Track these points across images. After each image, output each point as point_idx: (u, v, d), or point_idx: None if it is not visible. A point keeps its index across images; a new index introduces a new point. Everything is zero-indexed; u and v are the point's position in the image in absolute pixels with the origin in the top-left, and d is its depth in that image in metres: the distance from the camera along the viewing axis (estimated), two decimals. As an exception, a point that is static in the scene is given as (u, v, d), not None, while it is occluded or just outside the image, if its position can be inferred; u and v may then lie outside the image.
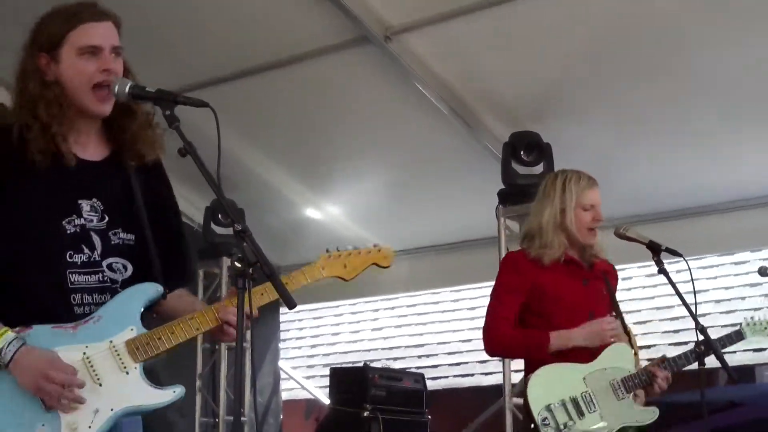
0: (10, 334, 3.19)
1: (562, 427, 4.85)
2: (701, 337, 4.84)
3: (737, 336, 5.32)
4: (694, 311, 4.81)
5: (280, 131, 8.75)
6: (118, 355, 3.29)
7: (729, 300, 11.68)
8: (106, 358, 3.27)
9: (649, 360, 5.10)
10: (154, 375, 3.39)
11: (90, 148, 3.47)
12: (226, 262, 9.66)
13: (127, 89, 3.30)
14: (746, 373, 10.96)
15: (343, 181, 9.24)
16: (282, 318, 11.49)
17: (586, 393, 4.92)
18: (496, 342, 5.16)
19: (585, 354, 4.97)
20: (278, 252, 8.94)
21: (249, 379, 7.85)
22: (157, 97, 3.26)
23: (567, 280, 5.04)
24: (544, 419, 4.86)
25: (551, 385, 4.92)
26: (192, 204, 9.97)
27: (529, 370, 5.09)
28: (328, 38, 7.49)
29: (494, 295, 5.26)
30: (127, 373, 3.29)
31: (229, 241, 9.19)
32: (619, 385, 4.98)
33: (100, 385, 3.25)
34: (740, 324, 5.41)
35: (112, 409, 3.24)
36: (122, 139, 3.48)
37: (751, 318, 5.43)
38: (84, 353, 3.25)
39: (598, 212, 5.08)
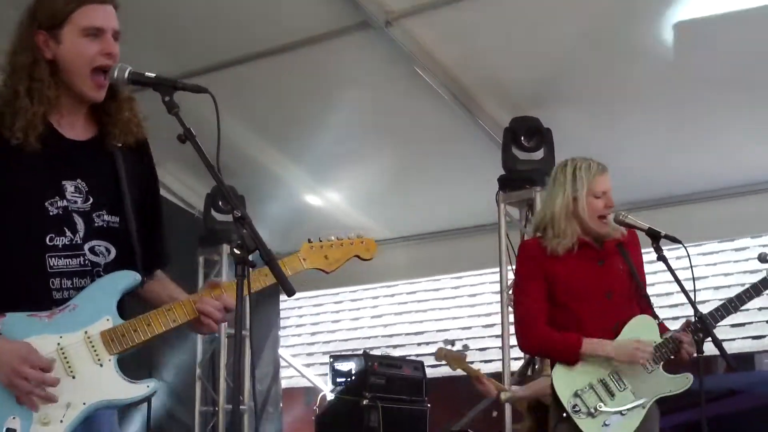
0: None
1: (593, 410, 4.81)
2: (700, 325, 4.83)
3: (764, 284, 5.20)
4: (693, 298, 4.78)
5: (281, 117, 8.74)
6: (93, 346, 3.23)
7: (728, 287, 11.67)
8: (80, 350, 3.21)
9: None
10: (130, 365, 3.33)
11: (77, 128, 3.41)
12: (226, 249, 9.66)
13: (126, 75, 3.27)
14: (745, 360, 10.96)
15: (344, 168, 9.24)
16: (282, 305, 11.50)
17: (614, 372, 4.89)
18: (533, 341, 5.10)
19: (608, 333, 4.95)
20: (278, 239, 8.92)
21: (248, 367, 7.83)
22: (156, 82, 3.22)
23: (580, 265, 4.98)
24: (574, 406, 4.82)
25: (577, 371, 4.88)
26: (192, 191, 9.98)
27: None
28: (329, 24, 7.49)
29: (519, 288, 5.21)
30: (101, 365, 3.22)
31: (230, 228, 9.18)
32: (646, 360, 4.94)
33: (74, 377, 3.19)
34: (765, 270, 5.27)
35: (84, 403, 3.18)
36: (107, 120, 3.44)
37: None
38: (58, 344, 3.19)
39: (610, 199, 5.04)
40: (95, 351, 3.23)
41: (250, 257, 3.03)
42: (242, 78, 8.11)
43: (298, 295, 3.20)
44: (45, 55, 3.30)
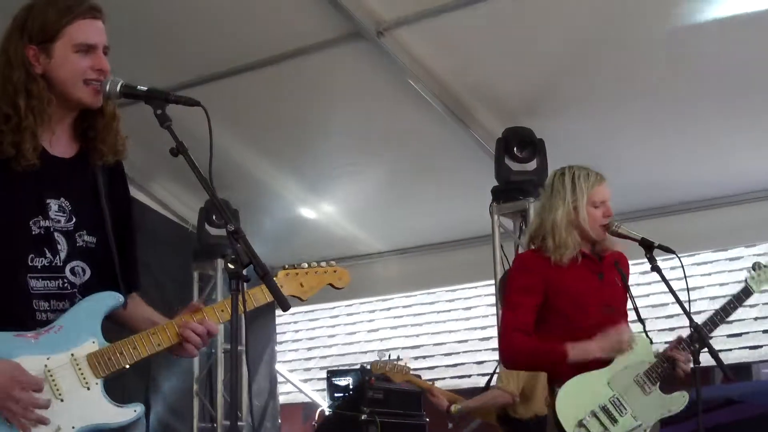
0: None
1: None
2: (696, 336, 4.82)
3: (745, 293, 5.28)
4: (688, 309, 4.76)
5: (273, 129, 8.72)
6: (80, 369, 3.22)
7: (724, 296, 11.63)
8: (67, 372, 3.20)
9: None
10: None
11: (62, 144, 3.39)
12: (220, 263, 9.63)
13: (118, 88, 3.27)
14: (743, 370, 10.95)
15: (337, 180, 9.22)
16: (277, 320, 11.47)
17: (614, 397, 4.87)
18: (513, 358, 5.10)
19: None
20: (273, 252, 8.90)
21: (246, 383, 7.81)
22: (148, 95, 3.22)
23: (582, 277, 4.97)
24: None
25: (578, 399, 4.85)
26: (186, 205, 9.95)
27: (550, 376, 5.07)
28: (320, 34, 7.48)
29: (507, 302, 5.17)
30: (89, 389, 3.22)
31: (224, 242, 9.16)
32: (644, 380, 4.92)
33: (62, 400, 3.18)
34: (745, 279, 5.34)
35: (73, 427, 3.18)
36: (90, 136, 3.42)
37: (756, 266, 5.36)
38: (45, 365, 3.18)
39: (609, 208, 5.03)
40: (82, 374, 3.23)
41: (245, 271, 3.03)
42: (234, 90, 8.09)
43: (293, 309, 3.21)
44: (35, 70, 3.28)
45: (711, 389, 8.45)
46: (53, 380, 3.18)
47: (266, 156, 9.12)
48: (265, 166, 9.22)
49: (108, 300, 3.35)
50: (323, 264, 3.77)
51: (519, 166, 7.94)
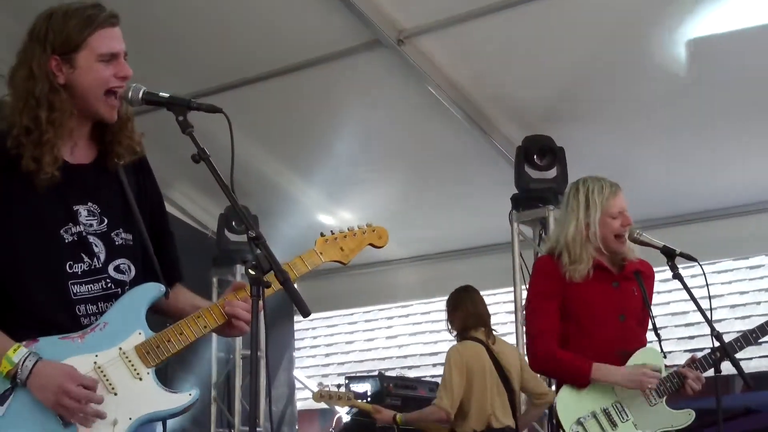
0: (24, 349, 3.15)
1: None
2: (717, 344, 4.80)
3: None
4: (709, 317, 4.75)
5: (292, 136, 8.75)
6: (130, 361, 3.25)
7: (744, 305, 11.65)
8: (117, 366, 3.24)
9: (668, 367, 5.04)
10: (167, 378, 3.36)
11: (79, 152, 3.42)
12: (240, 269, 9.64)
13: (140, 94, 3.28)
14: (762, 379, 10.90)
15: (357, 187, 9.23)
16: (296, 326, 11.48)
17: (617, 402, 4.87)
18: (542, 362, 5.10)
19: (614, 362, 4.92)
20: (292, 258, 8.91)
21: (264, 389, 7.82)
22: (170, 102, 3.23)
23: (596, 285, 4.97)
24: None
25: (581, 397, 4.86)
26: (206, 211, 9.99)
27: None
28: (341, 42, 7.49)
29: (531, 306, 5.18)
30: (141, 379, 3.25)
31: (244, 249, 9.18)
32: (650, 391, 4.91)
33: (116, 394, 3.21)
34: None
35: (130, 418, 3.21)
36: (110, 138, 3.44)
37: None
38: (95, 362, 3.22)
39: (627, 217, 5.02)
40: (132, 366, 3.26)
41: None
42: (255, 97, 8.11)
43: (312, 316, 3.20)
44: (58, 81, 3.29)
45: (731, 398, 8.42)
46: (104, 375, 3.22)
47: (285, 163, 9.14)
48: (284, 173, 9.24)
49: (149, 291, 3.38)
50: (362, 224, 3.77)
51: (539, 174, 7.93)
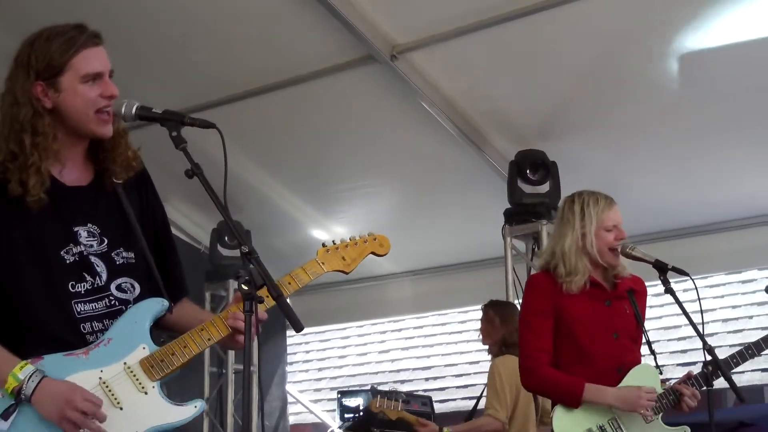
0: (30, 367, 3.17)
1: None
2: (709, 358, 4.80)
3: None
4: (701, 331, 4.76)
5: (286, 151, 8.74)
6: (134, 375, 3.27)
7: (737, 319, 11.65)
8: (122, 380, 3.26)
9: (662, 381, 5.04)
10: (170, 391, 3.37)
11: (76, 173, 3.43)
12: (233, 284, 9.63)
13: (133, 110, 3.29)
14: (755, 393, 10.90)
15: (350, 201, 9.24)
16: (288, 341, 11.47)
17: (613, 419, 4.86)
18: (534, 381, 5.07)
19: (610, 379, 4.94)
20: (285, 273, 8.91)
21: (257, 403, 7.80)
22: (163, 118, 3.25)
23: (590, 303, 4.97)
24: None
25: (577, 414, 4.85)
26: (198, 226, 9.98)
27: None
28: (334, 57, 7.50)
29: (525, 323, 5.15)
30: (146, 393, 3.27)
31: (236, 264, 9.16)
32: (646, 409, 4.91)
33: (121, 408, 3.23)
34: None
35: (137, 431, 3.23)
36: (102, 159, 3.45)
37: None
38: (100, 378, 3.24)
39: (621, 231, 5.03)
40: (137, 380, 3.28)
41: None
42: (248, 112, 8.11)
43: (305, 330, 3.20)
44: (44, 105, 3.31)
45: (723, 412, 8.42)
46: (110, 390, 3.24)
47: (279, 178, 9.14)
48: (277, 188, 9.24)
49: (152, 306, 3.40)
50: (363, 234, 3.77)
51: (532, 189, 7.95)
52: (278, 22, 7.29)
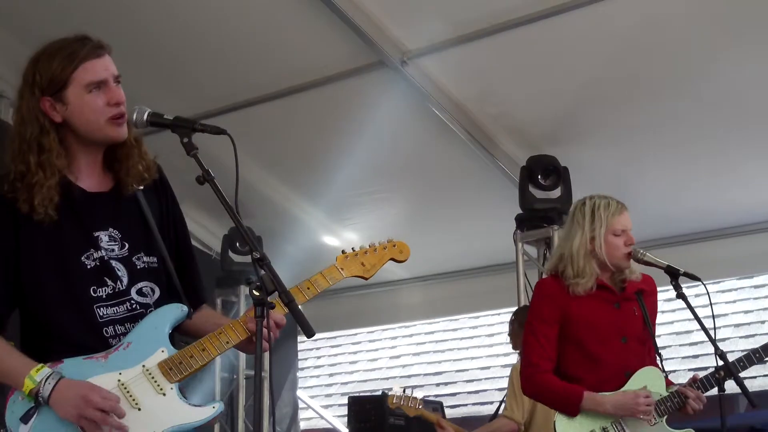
0: (47, 369, 3.21)
1: None
2: (721, 363, 4.79)
3: None
4: (713, 336, 4.76)
5: (296, 157, 8.76)
6: (153, 377, 3.30)
7: (748, 324, 11.62)
8: (141, 382, 3.29)
9: (671, 385, 5.03)
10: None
11: (95, 180, 3.46)
12: (243, 290, 9.64)
13: (145, 117, 3.30)
14: (766, 398, 10.87)
15: (361, 207, 9.23)
16: (299, 347, 11.47)
17: (616, 422, 4.85)
18: (535, 387, 5.06)
19: (617, 382, 4.93)
20: (296, 279, 8.90)
21: (267, 408, 7.80)
22: (174, 124, 3.26)
23: (598, 306, 4.96)
24: None
25: (579, 417, 4.84)
26: (210, 232, 9.99)
27: None
28: (345, 63, 7.51)
29: (530, 329, 5.12)
30: (164, 394, 3.30)
31: (247, 269, 9.17)
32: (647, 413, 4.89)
33: (139, 409, 3.26)
34: None
35: None
36: (118, 168, 3.48)
37: None
38: (119, 380, 3.27)
39: (630, 236, 5.01)
40: (156, 382, 3.31)
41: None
42: (258, 118, 8.13)
43: (315, 336, 3.20)
44: (54, 120, 3.35)
45: (736, 417, 8.40)
46: (128, 392, 3.27)
47: (290, 184, 9.15)
48: (288, 194, 9.25)
49: (172, 311, 3.43)
50: (382, 240, 3.77)
51: (543, 194, 7.95)
52: (289, 28, 7.31)
